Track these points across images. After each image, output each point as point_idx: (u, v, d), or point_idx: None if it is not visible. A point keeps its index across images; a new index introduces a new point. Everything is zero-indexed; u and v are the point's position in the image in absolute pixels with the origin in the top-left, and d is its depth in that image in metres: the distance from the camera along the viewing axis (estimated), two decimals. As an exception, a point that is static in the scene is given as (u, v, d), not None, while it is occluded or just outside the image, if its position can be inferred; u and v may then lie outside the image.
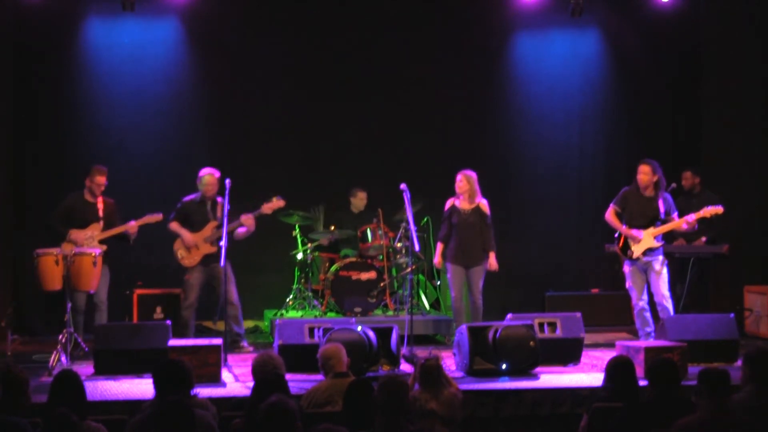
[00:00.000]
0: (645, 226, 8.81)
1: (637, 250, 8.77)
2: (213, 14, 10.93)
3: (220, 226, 8.88)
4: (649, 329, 8.80)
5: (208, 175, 9.18)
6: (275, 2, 11.20)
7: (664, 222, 8.81)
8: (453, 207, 9.21)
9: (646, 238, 8.76)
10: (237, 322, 9.14)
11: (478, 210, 9.16)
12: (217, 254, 8.80)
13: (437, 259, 9.25)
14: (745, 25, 11.01)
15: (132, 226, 9.05)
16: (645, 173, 8.84)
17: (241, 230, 9.18)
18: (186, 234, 9.14)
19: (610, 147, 11.77)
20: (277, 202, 9.32)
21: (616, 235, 8.98)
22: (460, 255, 9.10)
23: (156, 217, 9.14)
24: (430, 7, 11.32)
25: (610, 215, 9.01)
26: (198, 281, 9.17)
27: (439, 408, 5.85)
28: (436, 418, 5.81)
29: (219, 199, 9.12)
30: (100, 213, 9.06)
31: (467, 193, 9.15)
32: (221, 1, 11.01)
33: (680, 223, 8.77)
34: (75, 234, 8.91)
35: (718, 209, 8.87)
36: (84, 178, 9.13)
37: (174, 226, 9.18)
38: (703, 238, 10.01)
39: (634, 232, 8.80)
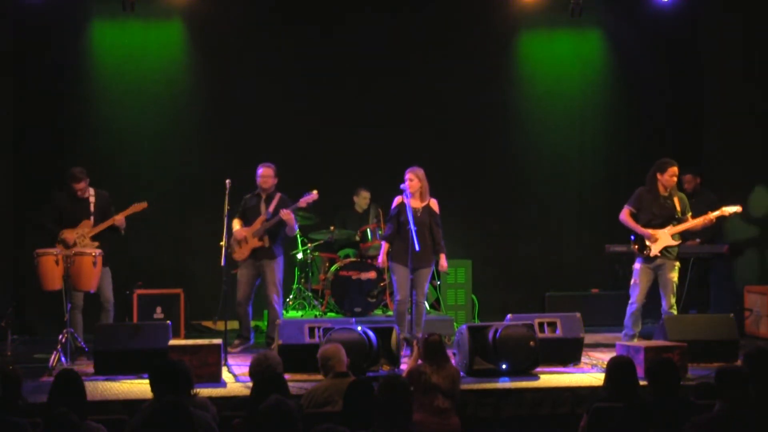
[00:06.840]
0: (662, 225, 8.78)
1: (655, 248, 8.72)
2: (213, 14, 10.94)
3: (267, 221, 9.00)
4: (637, 330, 8.79)
5: (264, 167, 9.15)
6: (275, 2, 11.20)
7: (680, 221, 8.79)
8: (402, 205, 8.61)
9: (663, 237, 8.73)
10: (273, 325, 8.92)
11: (428, 209, 8.72)
12: (267, 249, 9.00)
13: (382, 259, 8.94)
14: (744, 24, 10.99)
15: (119, 219, 8.79)
16: (676, 175, 8.80)
17: (287, 228, 9.08)
18: (237, 228, 9.05)
19: (610, 147, 11.78)
20: (312, 196, 9.14)
21: (633, 236, 8.90)
22: (407, 256, 8.46)
23: (141, 205, 8.94)
24: (431, 8, 11.33)
25: (625, 216, 8.88)
26: (246, 277, 9.07)
27: (441, 382, 6.23)
28: (438, 391, 6.18)
29: (278, 194, 9.14)
30: (91, 208, 8.80)
31: (419, 191, 8.70)
32: (221, 2, 11.02)
33: (697, 221, 8.75)
34: (67, 234, 8.64)
35: (738, 209, 8.88)
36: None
37: (233, 222, 9.04)
38: (698, 240, 10.02)
39: (650, 231, 8.77)
